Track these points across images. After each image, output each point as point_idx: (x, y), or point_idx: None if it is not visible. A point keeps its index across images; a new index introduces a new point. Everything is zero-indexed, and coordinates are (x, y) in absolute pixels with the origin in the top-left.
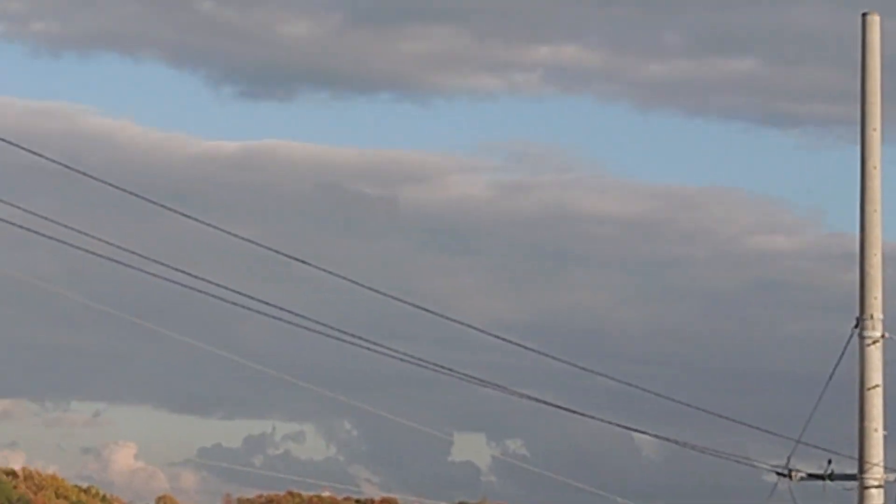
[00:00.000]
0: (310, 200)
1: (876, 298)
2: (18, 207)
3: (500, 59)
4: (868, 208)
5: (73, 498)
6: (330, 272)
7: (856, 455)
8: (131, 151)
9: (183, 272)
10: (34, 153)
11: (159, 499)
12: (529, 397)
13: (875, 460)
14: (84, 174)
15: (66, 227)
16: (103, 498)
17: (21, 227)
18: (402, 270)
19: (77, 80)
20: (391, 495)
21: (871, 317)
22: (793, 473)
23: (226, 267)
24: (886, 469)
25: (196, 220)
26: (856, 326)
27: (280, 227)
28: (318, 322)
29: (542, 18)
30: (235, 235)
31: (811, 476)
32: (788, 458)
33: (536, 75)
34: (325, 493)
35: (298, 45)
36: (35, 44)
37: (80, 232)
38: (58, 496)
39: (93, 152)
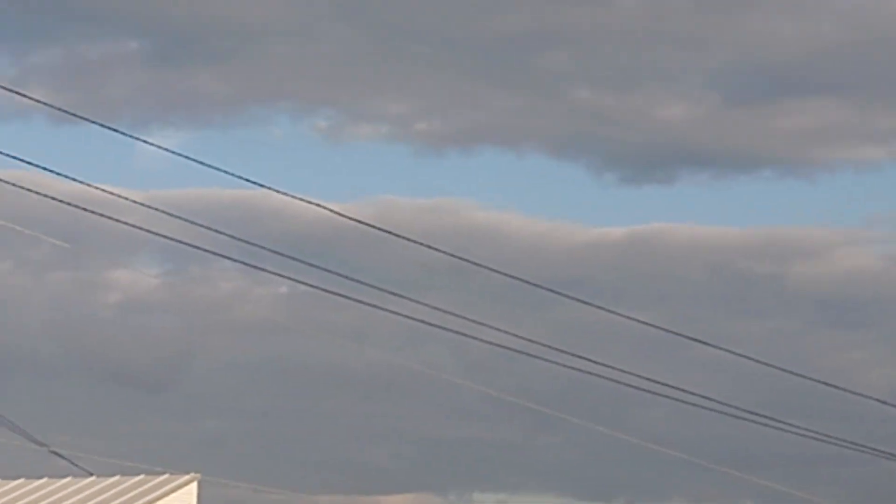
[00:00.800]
0: (698, 281)
1: None
2: (417, 302)
3: (883, 127)
4: None
5: None
6: (732, 352)
7: None
8: (518, 242)
9: (582, 358)
10: (432, 248)
11: None
12: None
13: None
14: (481, 266)
15: (463, 318)
16: None
17: (418, 320)
18: (794, 346)
19: (461, 175)
20: None
21: None
22: None
23: (621, 351)
24: None
25: (595, 305)
26: None
27: (671, 308)
28: (718, 401)
29: None
30: (634, 319)
31: None
32: None
33: None
34: None
35: (676, 128)
36: (419, 143)
37: (477, 323)
38: None
39: (480, 245)
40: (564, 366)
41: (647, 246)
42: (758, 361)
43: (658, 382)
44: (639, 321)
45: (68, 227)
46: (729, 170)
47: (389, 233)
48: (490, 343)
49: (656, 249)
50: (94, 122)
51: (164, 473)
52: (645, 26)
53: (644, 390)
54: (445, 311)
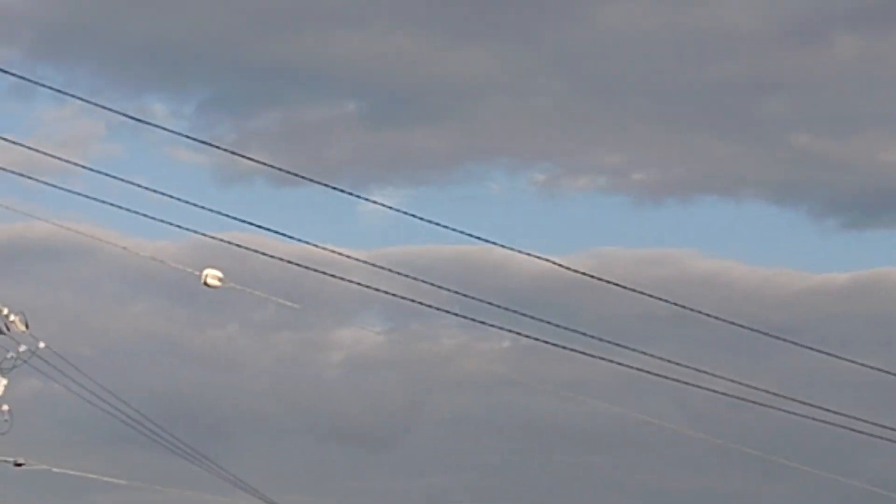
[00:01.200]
0: None
1: None
2: (639, 352)
3: None
4: None
5: None
6: None
7: None
8: (740, 291)
9: (807, 404)
10: (655, 297)
11: None
12: None
13: None
14: (703, 314)
15: (686, 367)
16: None
17: (641, 370)
18: None
19: (680, 225)
20: None
21: None
22: None
23: (846, 396)
24: None
25: (820, 351)
26: None
27: None
28: None
29: None
30: (859, 363)
31: None
32: None
33: None
34: None
35: None
36: (637, 193)
37: (700, 372)
38: None
39: (701, 294)
40: (789, 412)
41: (871, 290)
42: None
43: (886, 427)
44: (864, 365)
45: (293, 287)
46: None
47: (616, 284)
48: (714, 391)
49: (881, 294)
50: (317, 183)
51: None
52: (863, 69)
53: (871, 435)
54: (668, 361)
